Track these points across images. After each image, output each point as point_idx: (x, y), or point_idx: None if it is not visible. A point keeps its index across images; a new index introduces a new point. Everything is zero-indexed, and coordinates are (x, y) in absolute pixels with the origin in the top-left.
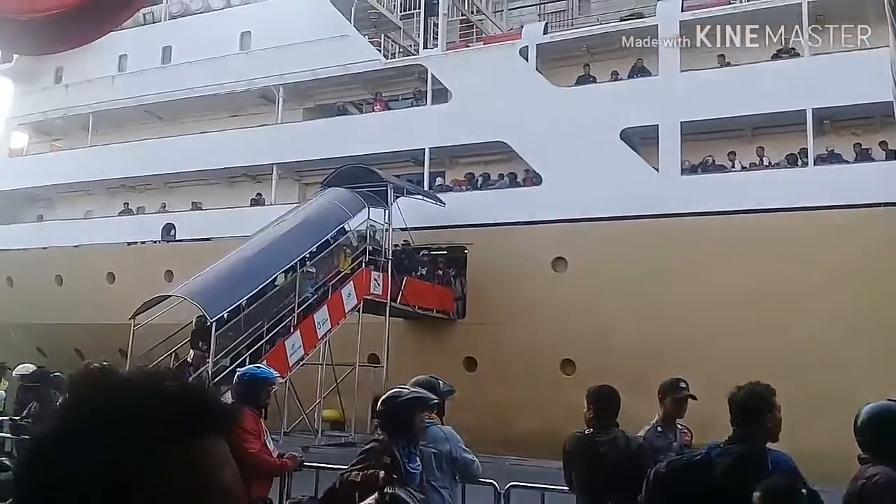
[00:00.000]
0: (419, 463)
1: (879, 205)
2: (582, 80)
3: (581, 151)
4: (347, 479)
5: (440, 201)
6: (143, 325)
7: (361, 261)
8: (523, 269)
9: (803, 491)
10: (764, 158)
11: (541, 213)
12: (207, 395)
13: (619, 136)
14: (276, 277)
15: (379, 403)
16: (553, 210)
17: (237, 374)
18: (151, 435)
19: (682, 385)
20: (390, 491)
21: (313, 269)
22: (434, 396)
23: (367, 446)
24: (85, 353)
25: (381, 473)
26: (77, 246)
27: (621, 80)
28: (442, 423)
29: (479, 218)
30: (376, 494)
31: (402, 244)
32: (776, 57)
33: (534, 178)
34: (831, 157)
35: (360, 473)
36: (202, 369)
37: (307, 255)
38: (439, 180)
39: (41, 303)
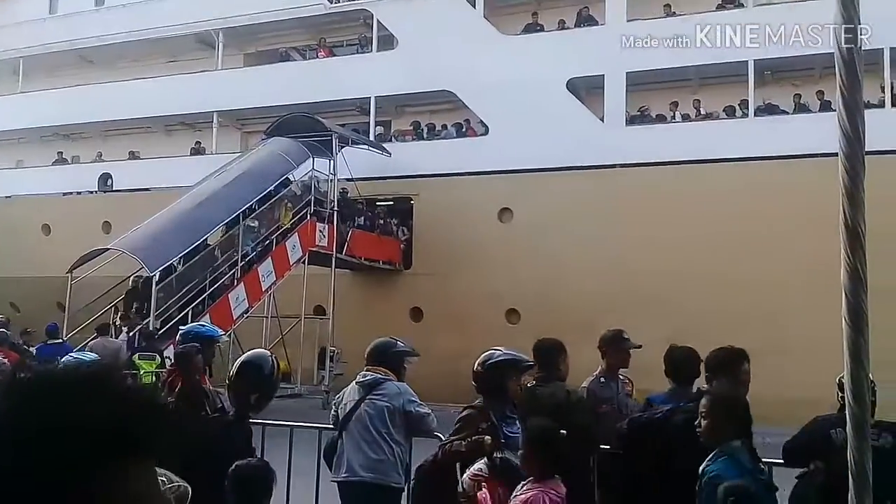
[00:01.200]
0: (517, 426)
1: (814, 155)
2: (529, 29)
3: (528, 101)
4: (450, 450)
5: (386, 151)
6: (81, 278)
7: (306, 212)
8: (470, 219)
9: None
10: (701, 109)
11: (487, 164)
12: (144, 409)
13: (565, 86)
14: (214, 232)
15: (475, 366)
16: (500, 161)
17: (180, 331)
18: (77, 456)
19: (625, 336)
20: (500, 455)
21: (255, 224)
22: (528, 358)
23: (463, 413)
24: (21, 307)
25: (487, 439)
26: (9, 196)
27: (568, 28)
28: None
29: (424, 168)
30: (485, 460)
31: (342, 192)
32: (721, 7)
33: (480, 129)
34: (770, 109)
35: (463, 442)
36: (134, 332)
37: (250, 208)
38: (380, 129)
39: None
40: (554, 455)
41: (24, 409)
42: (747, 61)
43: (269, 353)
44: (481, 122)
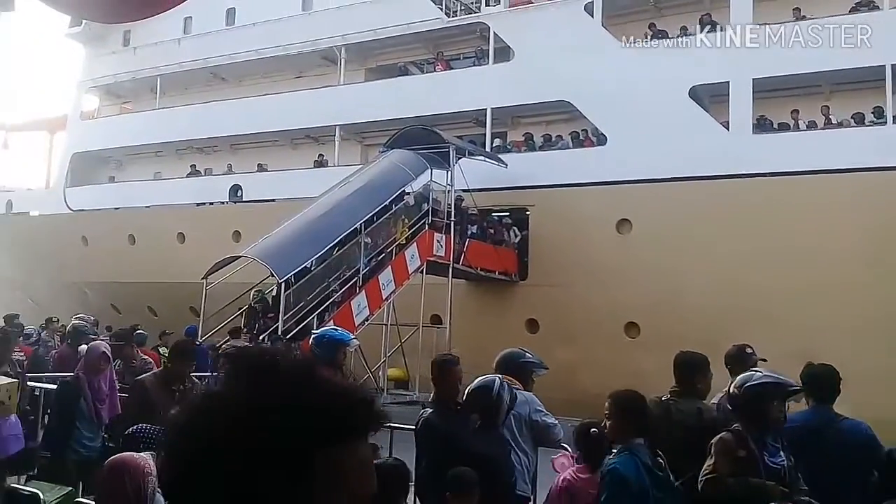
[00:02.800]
0: (783, 457)
1: None
2: (649, 36)
3: (648, 110)
4: (718, 486)
5: (502, 162)
6: (214, 284)
7: (424, 222)
8: (587, 230)
9: None
10: (831, 117)
11: (605, 174)
12: (364, 396)
13: (687, 94)
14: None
15: (731, 388)
16: (618, 171)
17: (314, 335)
18: (312, 435)
19: (749, 351)
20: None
21: (369, 240)
22: (793, 382)
23: (717, 438)
24: (157, 311)
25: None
26: (148, 207)
27: (691, 35)
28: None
29: (541, 179)
30: None
31: (455, 202)
32: (854, 10)
33: (597, 139)
34: None
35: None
36: (263, 336)
37: (369, 220)
38: (497, 141)
39: (115, 262)
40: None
41: (282, 390)
42: (884, 66)
43: (496, 378)
44: (599, 131)
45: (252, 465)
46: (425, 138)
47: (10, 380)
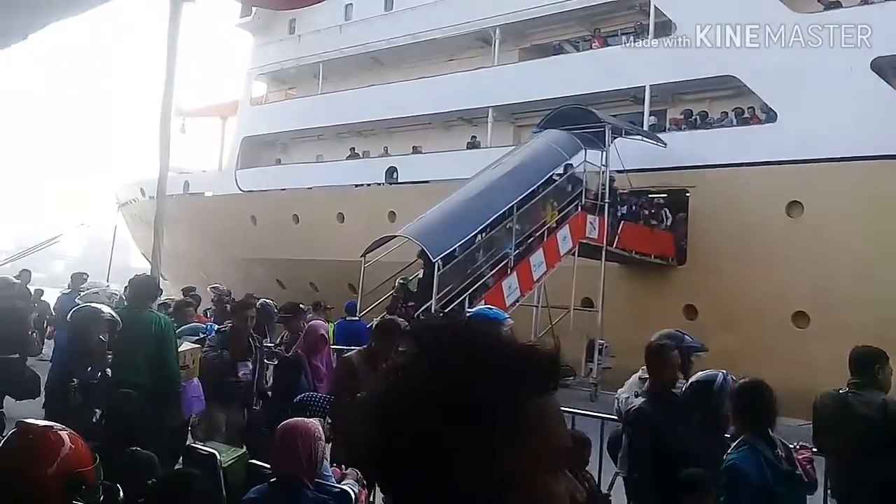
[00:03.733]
0: None
1: None
2: (826, 5)
3: (824, 84)
4: None
5: (661, 141)
6: (371, 262)
7: (577, 204)
8: (753, 213)
9: None
10: None
11: (774, 153)
12: (547, 353)
13: (869, 66)
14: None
15: None
16: (789, 150)
17: (469, 314)
18: (514, 388)
19: None
20: None
21: (518, 227)
22: None
23: None
24: (318, 286)
25: None
26: (311, 188)
27: (873, 3)
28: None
29: (703, 159)
30: None
31: (605, 184)
32: None
33: (764, 115)
34: None
35: None
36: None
37: (518, 204)
38: (653, 119)
39: (280, 240)
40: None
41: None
42: None
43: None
44: (768, 108)
45: (444, 424)
46: (580, 118)
47: (194, 345)
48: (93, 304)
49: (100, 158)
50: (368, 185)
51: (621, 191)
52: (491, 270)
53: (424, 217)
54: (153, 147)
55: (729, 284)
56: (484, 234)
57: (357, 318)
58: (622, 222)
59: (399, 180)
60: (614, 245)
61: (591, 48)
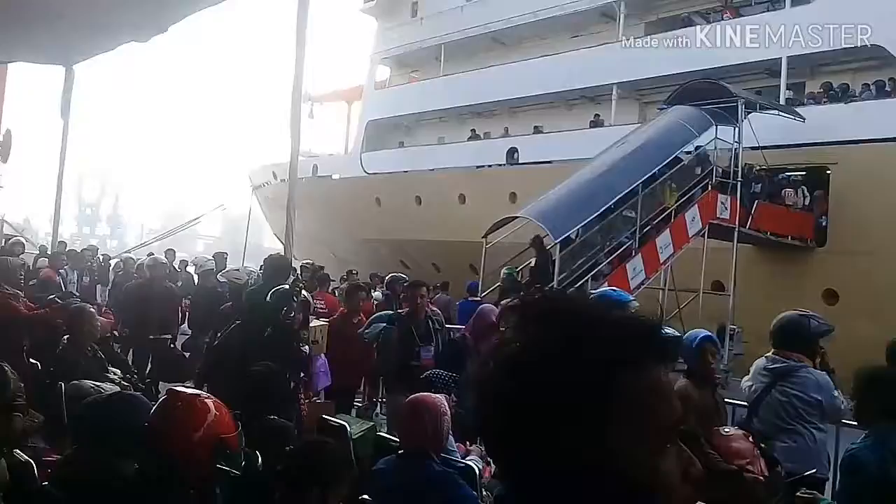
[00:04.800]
0: None
1: None
2: None
3: None
4: None
5: (799, 116)
6: (492, 243)
7: (707, 183)
8: None
9: None
10: None
11: None
12: (654, 325)
13: None
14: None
15: None
16: None
17: (593, 294)
18: (615, 360)
19: None
20: None
21: (632, 215)
22: None
23: None
24: (440, 267)
25: None
26: (432, 170)
27: None
28: (814, 366)
29: (846, 134)
30: None
31: (737, 162)
32: None
33: None
34: None
35: None
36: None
37: (640, 185)
38: (789, 93)
39: (404, 221)
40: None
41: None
42: None
43: None
44: None
45: (542, 399)
46: (710, 93)
47: (323, 322)
48: (286, 286)
49: (235, 143)
50: (489, 166)
51: (756, 168)
52: (608, 256)
53: (545, 198)
54: (284, 132)
55: (875, 268)
56: (603, 218)
57: (479, 299)
58: (756, 202)
59: (520, 161)
60: (747, 226)
61: (721, 19)
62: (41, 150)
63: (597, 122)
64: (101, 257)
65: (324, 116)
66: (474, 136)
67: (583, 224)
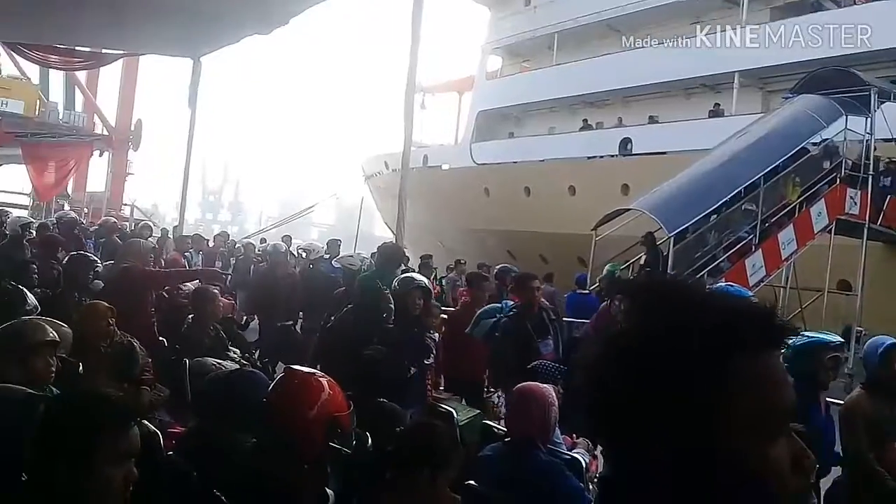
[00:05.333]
0: None
1: None
2: None
3: None
4: None
5: None
6: (602, 236)
7: (835, 176)
8: None
9: None
10: None
11: None
12: (767, 310)
13: None
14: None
15: None
16: None
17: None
18: (725, 345)
19: None
20: None
21: (753, 208)
22: None
23: None
24: (548, 259)
25: None
26: (542, 160)
27: None
28: None
29: None
30: None
31: (869, 154)
32: None
33: None
34: None
35: None
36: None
37: (762, 178)
38: None
39: (512, 211)
40: None
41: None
42: None
43: None
44: None
45: (651, 385)
46: (840, 81)
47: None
48: (410, 274)
49: (350, 133)
50: (601, 157)
51: (887, 161)
52: (726, 251)
53: (659, 190)
54: (397, 122)
55: None
56: (720, 212)
57: (587, 292)
58: (888, 197)
59: (633, 152)
60: (878, 222)
61: (854, 3)
62: (169, 139)
63: (716, 112)
64: (232, 242)
65: (435, 107)
66: (586, 126)
67: (699, 217)
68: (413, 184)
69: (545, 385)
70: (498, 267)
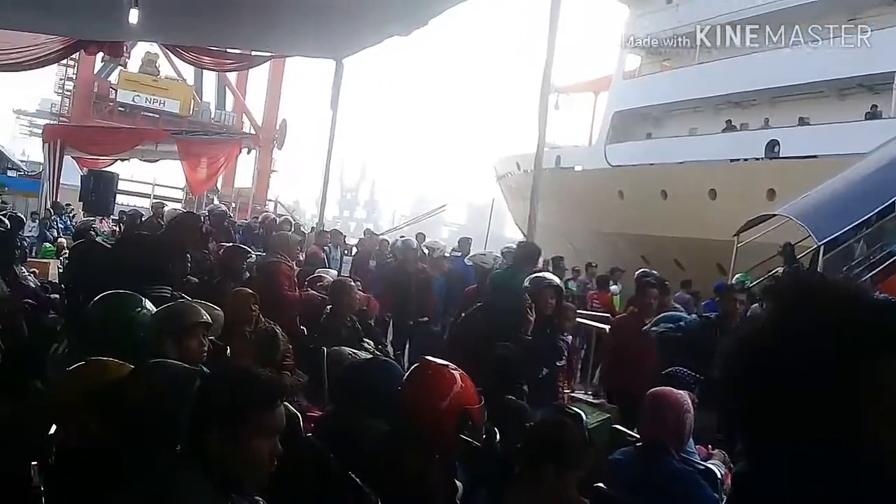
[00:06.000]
0: None
1: None
2: None
3: None
4: None
5: None
6: (744, 242)
7: None
8: None
9: None
10: None
11: None
12: None
13: None
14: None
15: None
16: None
17: None
18: (863, 349)
19: None
20: None
21: None
22: None
23: None
24: (684, 265)
25: None
26: (681, 162)
27: None
28: None
29: None
30: None
31: None
32: None
33: None
34: None
35: None
36: None
37: None
38: None
39: (647, 215)
40: None
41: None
42: None
43: None
44: None
45: (810, 382)
46: None
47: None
48: (542, 273)
49: (482, 133)
50: (745, 160)
51: None
52: (870, 271)
53: (809, 195)
54: (530, 123)
55: None
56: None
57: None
58: None
59: (781, 155)
60: None
61: None
62: (310, 139)
63: (874, 114)
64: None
65: (569, 107)
66: (729, 128)
67: (852, 226)
68: (545, 185)
69: (680, 391)
70: (638, 272)
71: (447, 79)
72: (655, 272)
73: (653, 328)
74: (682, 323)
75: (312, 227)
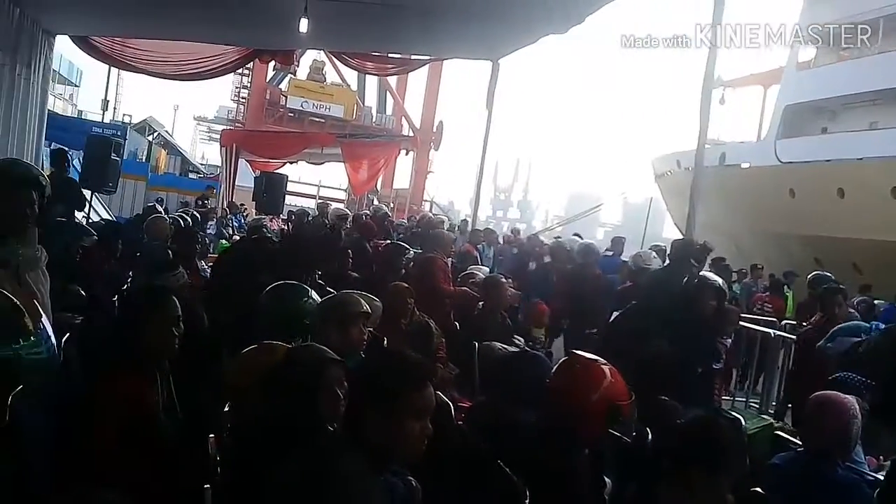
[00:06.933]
0: None
1: None
2: None
3: None
4: None
5: None
6: None
7: None
8: None
9: None
10: None
11: None
12: None
13: None
14: None
15: None
16: None
17: None
18: None
19: None
20: None
21: None
22: None
23: None
24: (862, 268)
25: None
26: (860, 159)
27: None
28: None
29: None
30: None
31: None
32: None
33: None
34: None
35: None
36: None
37: None
38: None
39: (821, 215)
40: None
41: None
42: None
43: None
44: None
45: None
46: None
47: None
48: (704, 273)
49: (639, 131)
50: None
51: None
52: None
53: None
54: (691, 119)
55: None
56: None
57: None
58: None
59: None
60: None
61: None
62: (465, 140)
63: None
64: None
65: (736, 102)
66: None
67: None
68: (708, 183)
69: (848, 396)
70: (811, 275)
71: (604, 74)
72: (831, 275)
73: (828, 343)
74: (862, 336)
75: (457, 225)
